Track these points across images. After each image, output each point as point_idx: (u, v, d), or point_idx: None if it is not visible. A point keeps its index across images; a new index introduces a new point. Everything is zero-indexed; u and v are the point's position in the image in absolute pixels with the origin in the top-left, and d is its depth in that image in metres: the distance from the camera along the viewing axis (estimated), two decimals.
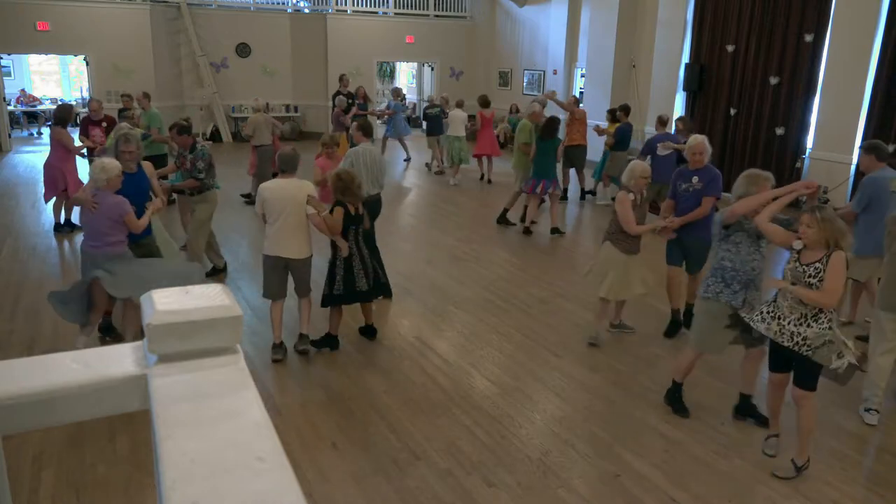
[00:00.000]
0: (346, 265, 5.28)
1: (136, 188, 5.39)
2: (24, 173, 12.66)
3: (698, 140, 5.66)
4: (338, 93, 12.91)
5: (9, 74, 18.33)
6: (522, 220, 9.41)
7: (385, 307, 6.43)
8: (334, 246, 5.27)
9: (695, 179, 5.59)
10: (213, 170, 6.90)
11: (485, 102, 12.49)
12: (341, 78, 13.82)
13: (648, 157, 8.89)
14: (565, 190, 10.98)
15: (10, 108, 16.97)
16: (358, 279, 5.31)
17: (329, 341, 5.49)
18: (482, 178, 12.75)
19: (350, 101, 12.79)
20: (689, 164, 5.76)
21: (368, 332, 5.72)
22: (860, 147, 5.94)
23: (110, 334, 5.59)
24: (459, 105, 13.28)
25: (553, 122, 8.86)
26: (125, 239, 5.18)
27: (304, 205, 5.14)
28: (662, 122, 9.57)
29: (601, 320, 5.75)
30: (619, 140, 10.45)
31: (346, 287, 5.30)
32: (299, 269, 5.32)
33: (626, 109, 10.74)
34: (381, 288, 5.80)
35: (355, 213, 5.30)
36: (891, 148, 9.25)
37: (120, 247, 5.13)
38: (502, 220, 9.59)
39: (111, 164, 5.03)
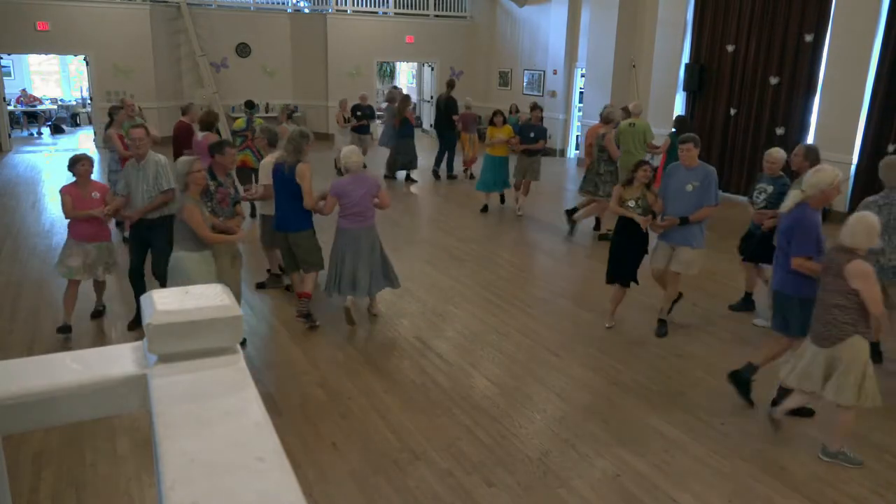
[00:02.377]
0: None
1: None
2: (24, 173, 12.67)
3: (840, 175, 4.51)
4: (451, 98, 13.17)
5: (9, 74, 18.32)
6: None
7: (385, 307, 6.43)
8: None
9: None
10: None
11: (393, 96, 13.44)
12: (450, 83, 14.12)
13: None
14: None
15: (10, 108, 16.97)
16: None
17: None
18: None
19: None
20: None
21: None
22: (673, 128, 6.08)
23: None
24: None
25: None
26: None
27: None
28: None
29: (847, 434, 4.17)
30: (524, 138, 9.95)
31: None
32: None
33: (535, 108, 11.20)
34: None
35: None
36: (891, 148, 9.27)
37: (374, 220, 5.91)
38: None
39: (356, 149, 6.03)
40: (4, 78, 15.77)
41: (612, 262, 5.94)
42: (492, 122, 10.17)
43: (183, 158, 5.25)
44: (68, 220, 5.72)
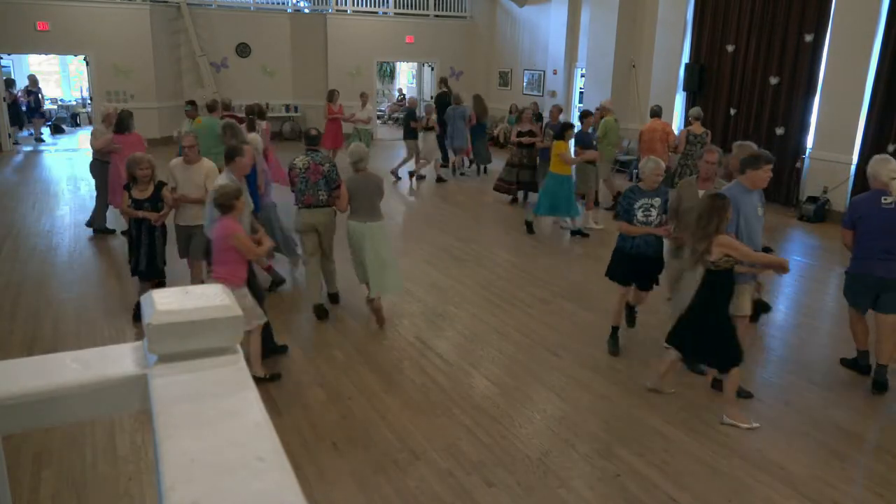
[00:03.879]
0: None
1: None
2: (25, 173, 12.66)
3: None
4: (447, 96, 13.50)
5: (9, 74, 18.32)
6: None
7: (385, 308, 6.43)
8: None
9: None
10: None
11: (331, 96, 13.30)
12: (444, 80, 14.88)
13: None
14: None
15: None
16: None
17: None
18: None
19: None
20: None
21: None
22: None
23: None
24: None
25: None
26: None
27: None
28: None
29: None
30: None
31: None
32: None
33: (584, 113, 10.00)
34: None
35: None
36: (891, 148, 9.27)
37: None
38: None
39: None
40: (4, 78, 15.77)
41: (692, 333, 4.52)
42: (562, 137, 8.64)
43: (355, 144, 6.11)
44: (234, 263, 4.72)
